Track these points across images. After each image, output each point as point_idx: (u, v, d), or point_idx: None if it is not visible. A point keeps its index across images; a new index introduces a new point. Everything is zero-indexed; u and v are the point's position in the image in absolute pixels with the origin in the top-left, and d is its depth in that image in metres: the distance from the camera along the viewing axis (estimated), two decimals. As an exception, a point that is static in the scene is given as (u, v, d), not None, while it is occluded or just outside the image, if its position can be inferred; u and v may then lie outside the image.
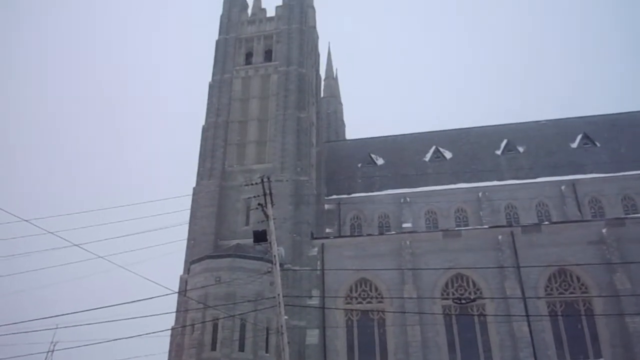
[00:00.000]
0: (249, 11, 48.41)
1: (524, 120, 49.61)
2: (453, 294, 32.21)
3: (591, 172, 41.44)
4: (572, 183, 40.81)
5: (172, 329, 32.10)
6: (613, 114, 47.89)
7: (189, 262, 33.95)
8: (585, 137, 44.95)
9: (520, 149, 45.52)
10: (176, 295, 33.15)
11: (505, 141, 46.40)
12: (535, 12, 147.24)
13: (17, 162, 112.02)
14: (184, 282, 34.06)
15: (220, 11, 47.68)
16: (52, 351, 32.25)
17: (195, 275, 32.20)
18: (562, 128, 47.10)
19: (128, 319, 20.56)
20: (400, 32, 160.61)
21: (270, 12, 46.75)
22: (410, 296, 31.67)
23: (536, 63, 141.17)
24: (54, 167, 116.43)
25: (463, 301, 30.70)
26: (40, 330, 18.21)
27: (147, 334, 20.82)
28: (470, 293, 32.12)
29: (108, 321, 19.15)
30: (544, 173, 42.23)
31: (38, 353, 29.79)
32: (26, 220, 17.54)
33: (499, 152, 45.74)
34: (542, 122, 48.95)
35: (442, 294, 32.31)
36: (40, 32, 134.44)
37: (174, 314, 33.02)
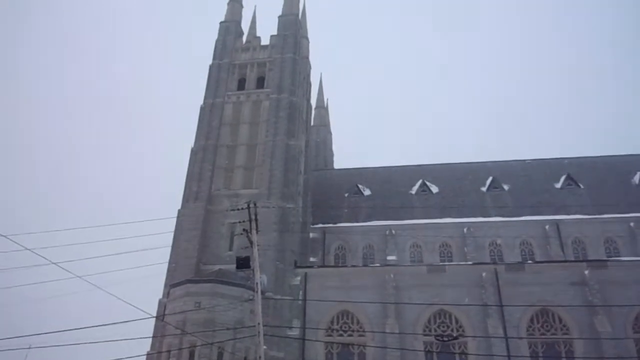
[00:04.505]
0: (244, 38, 49.07)
1: (509, 159, 50.35)
2: (435, 330, 31.93)
3: (575, 213, 41.76)
4: (556, 223, 41.06)
5: (148, 354, 31.24)
6: (597, 157, 48.76)
7: (169, 286, 33.32)
8: (569, 178, 45.50)
9: (506, 187, 45.93)
10: (154, 319, 32.38)
11: (490, 178, 46.80)
12: (524, 50, 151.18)
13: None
14: (162, 306, 33.36)
15: (215, 36, 48.23)
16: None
17: (175, 299, 31.58)
18: (547, 168, 47.77)
19: (103, 341, 20.02)
20: (391, 67, 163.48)
21: (265, 41, 47.50)
22: (392, 331, 31.30)
23: (525, 102, 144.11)
24: (37, 179, 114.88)
25: (445, 338, 30.39)
26: (12, 350, 17.60)
27: (121, 359, 20.25)
28: (452, 330, 31.88)
29: (83, 343, 18.64)
30: (528, 212, 42.47)
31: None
32: (4, 236, 17.13)
33: (484, 189, 46.05)
34: (528, 162, 49.65)
35: (425, 330, 32.02)
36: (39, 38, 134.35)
37: (150, 339, 32.19)
